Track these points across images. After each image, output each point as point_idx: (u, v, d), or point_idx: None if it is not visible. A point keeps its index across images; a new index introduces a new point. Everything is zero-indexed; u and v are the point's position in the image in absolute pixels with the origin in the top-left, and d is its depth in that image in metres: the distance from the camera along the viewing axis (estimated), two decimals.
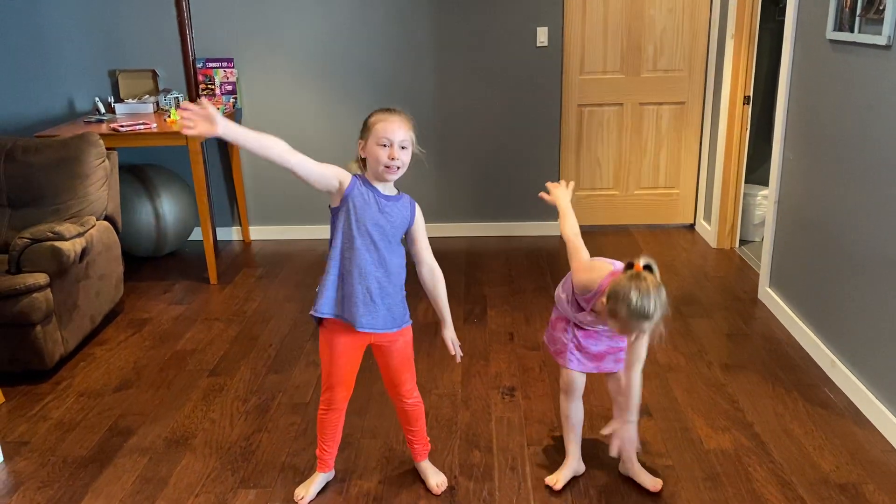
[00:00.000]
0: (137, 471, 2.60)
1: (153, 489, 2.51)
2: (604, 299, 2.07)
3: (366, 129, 2.17)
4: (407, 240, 2.30)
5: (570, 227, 2.41)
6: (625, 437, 2.20)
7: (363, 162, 2.19)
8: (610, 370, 2.40)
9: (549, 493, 2.44)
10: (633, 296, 1.97)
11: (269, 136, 2.09)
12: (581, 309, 2.25)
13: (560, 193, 2.50)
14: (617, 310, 2.01)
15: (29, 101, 4.79)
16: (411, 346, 2.36)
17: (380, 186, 2.18)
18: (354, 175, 2.18)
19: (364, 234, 2.15)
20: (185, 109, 1.87)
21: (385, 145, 2.11)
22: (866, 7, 2.81)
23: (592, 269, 2.20)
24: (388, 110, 2.17)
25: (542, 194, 2.53)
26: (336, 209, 2.18)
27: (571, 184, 2.58)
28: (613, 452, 2.21)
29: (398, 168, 2.14)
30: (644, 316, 1.98)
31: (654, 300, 1.98)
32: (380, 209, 2.16)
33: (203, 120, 1.89)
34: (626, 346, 2.30)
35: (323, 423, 2.40)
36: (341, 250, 2.18)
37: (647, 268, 2.06)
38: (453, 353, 2.39)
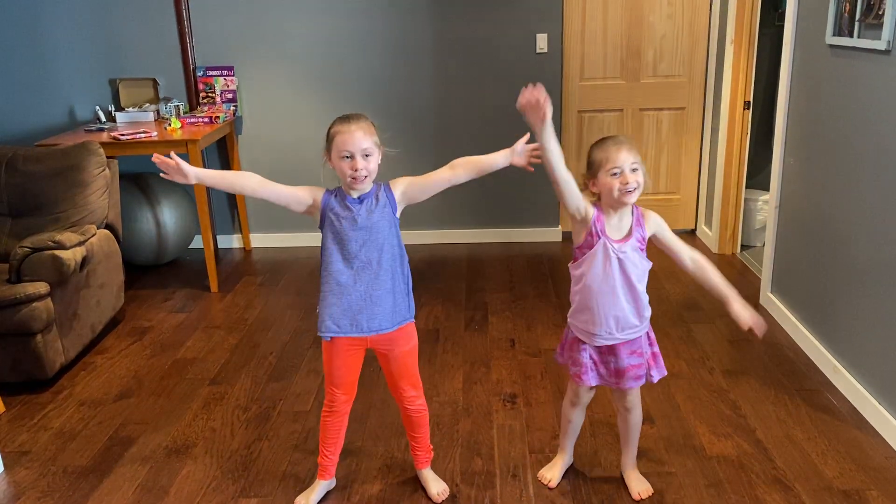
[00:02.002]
0: (138, 480, 2.60)
1: (154, 499, 2.50)
2: (589, 179, 2.17)
3: (328, 142, 2.15)
4: (412, 196, 2.25)
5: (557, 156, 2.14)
6: (747, 315, 2.15)
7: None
8: (630, 387, 2.32)
9: (551, 501, 2.43)
10: (598, 140, 2.16)
11: (240, 174, 2.25)
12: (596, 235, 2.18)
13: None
14: (593, 153, 2.13)
15: (29, 110, 4.80)
16: (414, 356, 2.35)
17: (353, 192, 2.18)
18: (327, 190, 2.21)
19: (346, 243, 2.16)
20: (158, 160, 2.10)
21: (347, 157, 2.10)
22: (865, 12, 2.81)
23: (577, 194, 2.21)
24: (347, 119, 2.14)
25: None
26: (321, 226, 2.22)
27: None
28: (746, 327, 2.17)
29: (365, 177, 2.13)
30: (614, 137, 2.11)
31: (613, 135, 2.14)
32: (353, 214, 2.16)
33: (175, 172, 2.13)
34: (647, 356, 2.29)
35: (325, 427, 2.39)
36: (328, 263, 2.20)
37: None
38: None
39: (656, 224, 2.24)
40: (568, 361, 2.37)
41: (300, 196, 2.22)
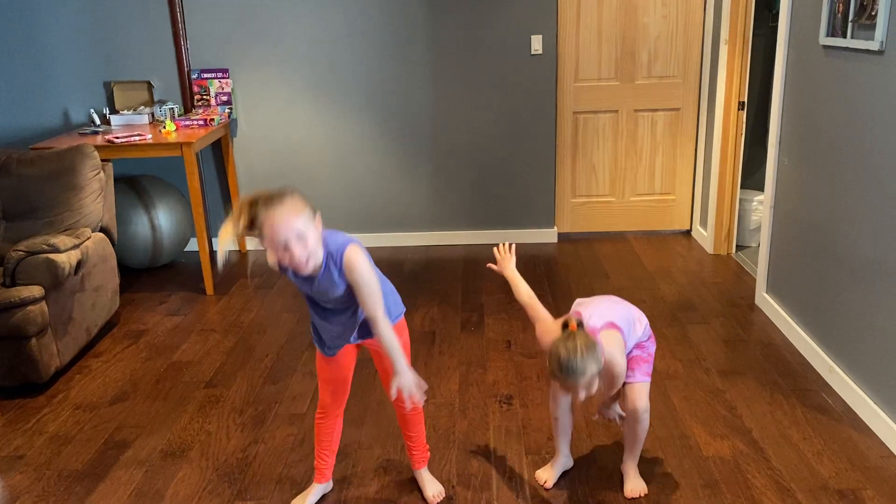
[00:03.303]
0: (133, 484, 2.59)
1: (149, 502, 2.49)
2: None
3: (257, 229, 1.92)
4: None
5: (523, 293, 2.44)
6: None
7: None
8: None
9: (547, 502, 2.43)
10: (562, 354, 2.08)
11: None
12: None
13: (505, 263, 2.51)
14: (551, 369, 2.13)
15: (24, 113, 4.79)
16: (406, 350, 2.34)
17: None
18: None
19: (312, 298, 2.16)
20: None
21: (277, 250, 1.92)
22: (858, 12, 2.82)
23: (551, 332, 2.24)
24: (268, 202, 1.90)
25: (490, 265, 2.54)
26: None
27: (513, 247, 2.56)
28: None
29: (305, 262, 1.94)
30: (572, 373, 2.07)
31: (581, 359, 2.06)
32: (310, 286, 2.07)
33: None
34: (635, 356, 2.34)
35: (319, 430, 2.40)
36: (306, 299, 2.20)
37: (580, 325, 2.16)
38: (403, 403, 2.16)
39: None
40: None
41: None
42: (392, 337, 2.07)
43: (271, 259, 1.99)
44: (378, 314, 2.05)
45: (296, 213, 1.92)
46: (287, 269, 2.02)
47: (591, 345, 2.11)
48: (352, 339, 2.23)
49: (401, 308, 2.30)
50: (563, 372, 2.09)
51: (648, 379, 2.38)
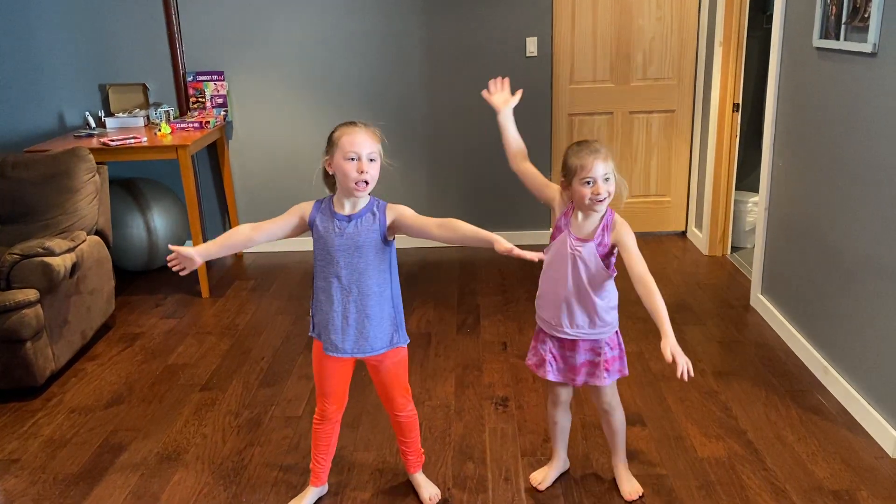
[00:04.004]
0: (129, 487, 2.59)
1: None
2: (562, 180, 2.24)
3: (331, 145, 2.11)
4: (400, 227, 2.16)
5: (513, 143, 2.49)
6: (674, 349, 2.07)
7: (331, 179, 2.17)
8: (584, 383, 2.35)
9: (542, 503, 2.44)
10: (576, 143, 2.21)
11: (232, 232, 2.21)
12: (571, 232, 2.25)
13: (499, 98, 2.45)
14: (570, 158, 2.18)
15: (19, 117, 4.78)
16: (403, 367, 2.34)
17: (347, 204, 2.14)
18: (318, 200, 2.18)
19: (332, 260, 2.14)
20: (169, 261, 2.11)
21: (353, 159, 2.06)
22: (851, 15, 2.83)
23: (549, 186, 2.35)
24: (352, 123, 2.12)
25: (484, 92, 2.47)
26: (312, 237, 2.20)
27: (518, 93, 2.47)
28: (679, 372, 2.07)
29: (366, 183, 2.09)
30: (590, 144, 2.16)
31: (598, 142, 2.20)
32: (340, 233, 2.12)
33: (186, 261, 2.10)
34: (604, 357, 2.30)
35: (316, 434, 2.40)
36: (315, 275, 2.20)
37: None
38: None
39: (621, 235, 2.21)
40: (531, 359, 2.41)
41: (290, 220, 2.18)
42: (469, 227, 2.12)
43: (349, 173, 2.08)
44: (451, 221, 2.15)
45: (375, 138, 2.12)
46: (315, 221, 2.15)
47: (600, 141, 2.22)
48: (350, 349, 2.20)
49: (404, 338, 2.29)
50: (583, 146, 2.16)
51: (619, 375, 2.36)
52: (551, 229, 2.33)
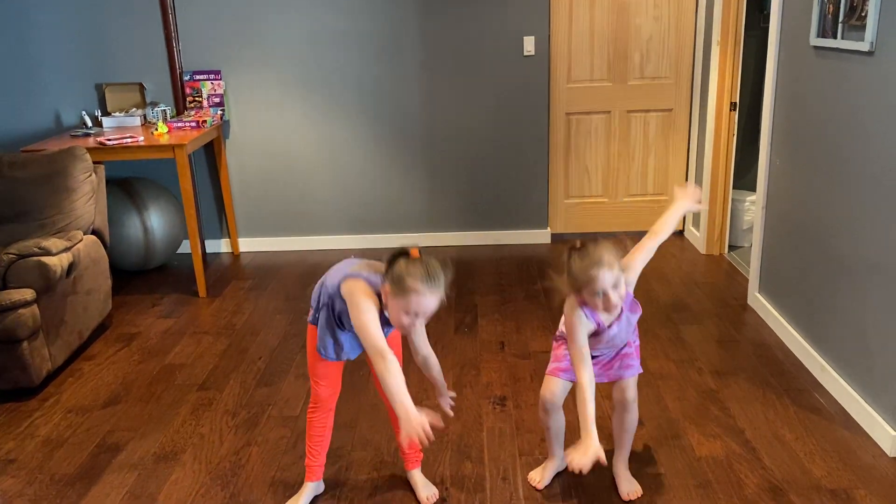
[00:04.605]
0: (126, 487, 2.58)
1: None
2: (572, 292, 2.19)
3: (397, 285, 1.97)
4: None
5: (670, 229, 2.44)
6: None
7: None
8: (618, 377, 2.39)
9: (540, 502, 2.44)
10: (576, 251, 2.14)
11: (393, 374, 2.00)
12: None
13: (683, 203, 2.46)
14: (574, 271, 2.13)
15: (15, 116, 4.77)
16: (399, 357, 2.34)
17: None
18: (377, 293, 2.08)
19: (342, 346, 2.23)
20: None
21: (411, 314, 2.00)
22: (849, 14, 2.83)
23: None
24: (429, 280, 1.95)
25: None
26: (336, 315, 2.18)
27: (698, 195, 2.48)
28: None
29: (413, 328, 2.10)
30: (593, 254, 2.11)
31: (597, 248, 2.13)
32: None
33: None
34: (635, 346, 2.38)
35: (311, 425, 2.39)
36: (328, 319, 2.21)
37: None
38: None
39: (633, 269, 2.28)
40: (561, 364, 2.38)
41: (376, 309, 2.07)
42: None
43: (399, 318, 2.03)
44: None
45: (441, 296, 2.01)
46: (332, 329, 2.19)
47: (599, 243, 2.13)
48: (349, 355, 2.27)
49: None
50: (593, 260, 2.08)
51: (639, 370, 2.41)
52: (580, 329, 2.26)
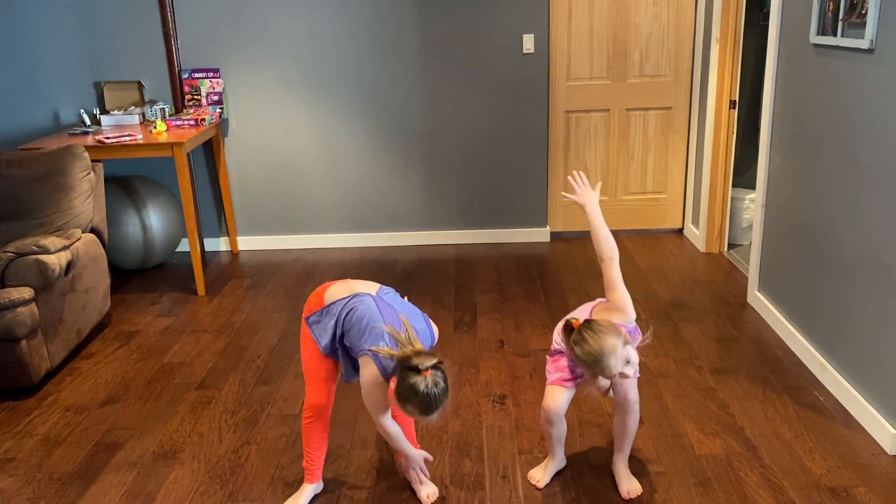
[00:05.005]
0: (125, 486, 2.58)
1: None
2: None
3: (399, 399, 2.06)
4: None
5: (606, 244, 2.23)
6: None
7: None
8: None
9: (540, 502, 2.43)
10: (585, 347, 2.09)
11: (395, 427, 2.32)
12: None
13: (585, 193, 2.29)
14: (582, 363, 2.12)
15: (13, 114, 4.76)
16: None
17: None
18: (384, 371, 2.15)
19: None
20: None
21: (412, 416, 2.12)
22: (849, 11, 2.83)
23: (612, 291, 2.24)
24: (427, 409, 2.03)
25: (565, 195, 2.36)
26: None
27: (599, 184, 2.37)
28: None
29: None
30: (598, 340, 2.07)
31: (604, 336, 2.07)
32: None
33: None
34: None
35: (311, 432, 2.38)
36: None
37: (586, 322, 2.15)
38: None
39: (625, 310, 2.23)
40: (564, 375, 2.36)
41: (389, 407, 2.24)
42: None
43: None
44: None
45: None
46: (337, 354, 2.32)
47: (603, 324, 2.11)
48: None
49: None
50: (586, 352, 2.06)
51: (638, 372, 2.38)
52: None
